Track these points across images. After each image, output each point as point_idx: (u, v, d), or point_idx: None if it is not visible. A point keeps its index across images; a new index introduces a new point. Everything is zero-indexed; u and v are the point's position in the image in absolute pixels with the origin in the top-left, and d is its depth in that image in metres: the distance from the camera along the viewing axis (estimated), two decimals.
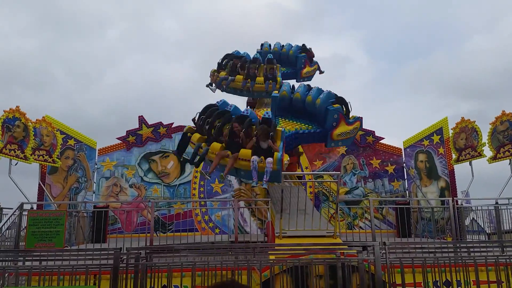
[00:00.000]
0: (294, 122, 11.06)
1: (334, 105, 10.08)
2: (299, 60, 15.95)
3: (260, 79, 14.09)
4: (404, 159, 17.36)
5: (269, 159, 8.61)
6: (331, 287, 6.82)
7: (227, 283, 1.73)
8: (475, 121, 13.98)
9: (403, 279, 6.97)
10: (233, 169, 9.12)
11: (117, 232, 15.13)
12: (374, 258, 6.82)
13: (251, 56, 15.02)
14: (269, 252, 7.55)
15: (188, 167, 16.75)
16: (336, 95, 10.61)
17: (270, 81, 13.96)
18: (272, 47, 16.53)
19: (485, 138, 13.52)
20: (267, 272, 6.96)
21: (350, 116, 10.72)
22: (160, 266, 7.18)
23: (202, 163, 10.37)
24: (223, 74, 14.55)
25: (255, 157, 8.70)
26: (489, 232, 14.06)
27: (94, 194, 16.00)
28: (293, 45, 16.57)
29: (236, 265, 7.05)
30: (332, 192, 16.82)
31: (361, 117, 10.66)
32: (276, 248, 7.64)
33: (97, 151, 16.45)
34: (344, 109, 10.55)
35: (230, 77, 14.28)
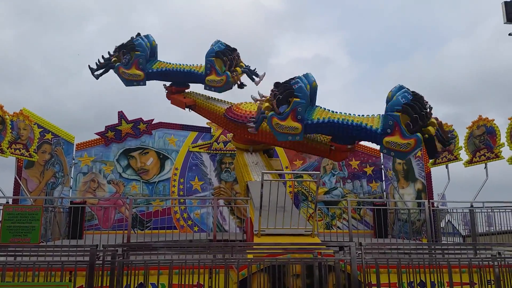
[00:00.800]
0: (378, 119, 10.36)
1: (396, 112, 9.46)
2: (206, 64, 13.00)
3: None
4: (382, 160, 17.60)
5: None
6: (308, 286, 6.88)
7: None
8: (452, 125, 14.23)
9: (378, 279, 7.07)
10: None
11: (94, 229, 14.90)
12: (350, 258, 6.91)
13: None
14: (247, 251, 7.57)
15: (168, 164, 16.67)
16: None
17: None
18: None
19: (461, 142, 13.78)
20: (244, 271, 6.99)
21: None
22: (136, 263, 7.13)
23: None
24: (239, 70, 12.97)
25: None
26: (464, 234, 14.36)
27: (71, 190, 15.79)
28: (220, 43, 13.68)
29: (214, 263, 7.05)
30: (311, 192, 16.95)
31: (420, 138, 9.37)
32: (254, 247, 7.67)
33: (75, 146, 16.23)
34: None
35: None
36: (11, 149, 12.33)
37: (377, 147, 10.23)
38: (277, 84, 10.24)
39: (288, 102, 9.70)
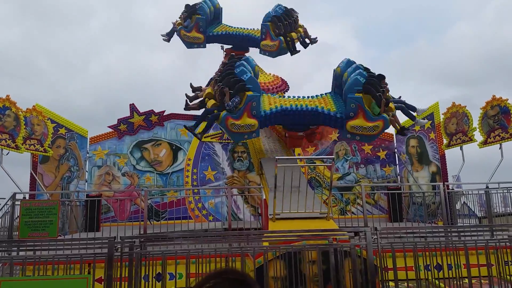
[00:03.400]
0: (330, 99, 10.04)
1: (357, 94, 9.04)
2: (261, 28, 13.82)
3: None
4: (395, 144, 17.47)
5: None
6: (324, 272, 6.90)
7: (221, 271, 1.74)
8: (465, 106, 14.05)
9: (394, 263, 7.07)
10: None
11: (111, 221, 15.13)
12: (366, 244, 6.91)
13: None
14: (262, 239, 7.61)
15: (181, 155, 16.75)
16: (366, 83, 9.26)
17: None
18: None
19: (475, 123, 13.61)
20: (260, 258, 7.03)
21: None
22: (154, 254, 7.21)
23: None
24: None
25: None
26: (480, 216, 14.23)
27: (86, 183, 15.95)
28: (279, 7, 13.74)
29: (230, 252, 7.10)
30: (325, 178, 16.91)
31: (387, 118, 9.20)
32: (269, 234, 7.70)
33: (88, 140, 16.36)
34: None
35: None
36: (25, 145, 12.49)
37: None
38: (225, 74, 9.37)
39: (240, 96, 8.92)
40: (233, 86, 8.95)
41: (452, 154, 14.74)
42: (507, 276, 7.44)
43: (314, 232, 7.45)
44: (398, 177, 17.28)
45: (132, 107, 16.91)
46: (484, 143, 13.33)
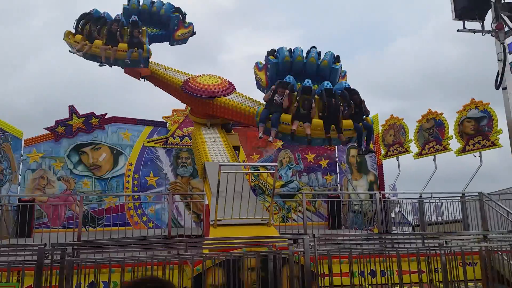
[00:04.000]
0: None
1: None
2: (172, 21, 13.90)
3: (123, 45, 12.27)
4: (337, 154, 17.94)
5: (140, 50, 12.11)
6: (262, 279, 6.92)
7: (139, 281, 1.69)
8: (403, 119, 14.69)
9: (330, 270, 7.21)
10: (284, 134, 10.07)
11: (43, 227, 14.39)
12: (303, 250, 7.00)
13: (113, 17, 13.03)
14: (203, 246, 7.52)
15: (122, 160, 16.31)
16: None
17: (136, 48, 12.22)
18: (141, 3, 14.02)
19: (411, 135, 14.24)
20: (199, 266, 6.93)
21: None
22: (87, 262, 6.93)
23: None
24: (79, 38, 12.47)
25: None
26: (414, 224, 14.87)
27: (19, 187, 15.17)
28: (164, 2, 14.11)
29: (167, 259, 6.96)
30: (268, 186, 17.06)
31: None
32: (209, 242, 7.62)
33: (23, 142, 15.59)
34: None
35: (88, 44, 12.37)
36: None
37: None
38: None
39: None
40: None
41: (389, 164, 15.37)
42: (437, 282, 7.80)
43: (254, 239, 7.46)
44: (338, 185, 17.76)
45: (72, 109, 16.31)
46: (419, 154, 13.97)
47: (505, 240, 8.34)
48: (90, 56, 12.61)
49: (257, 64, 11.91)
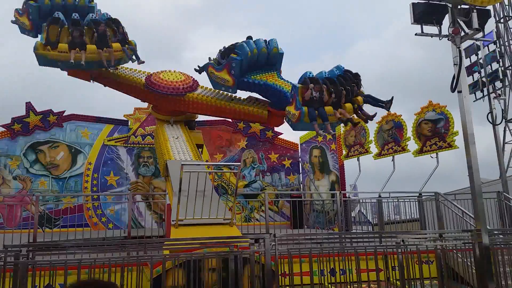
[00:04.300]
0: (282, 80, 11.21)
1: (299, 84, 10.08)
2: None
3: (116, 45, 11.41)
4: (300, 154, 18.12)
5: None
6: (223, 280, 6.89)
7: (89, 282, 1.64)
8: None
9: (291, 269, 7.27)
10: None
11: None
12: (264, 250, 7.02)
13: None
14: (163, 247, 7.41)
15: (81, 159, 15.90)
16: (310, 78, 10.29)
17: (126, 45, 11.57)
18: None
19: (371, 136, 14.54)
20: (160, 267, 6.83)
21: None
22: (42, 264, 6.71)
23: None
24: (64, 47, 10.95)
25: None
26: (374, 223, 15.19)
27: None
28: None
29: (125, 261, 6.81)
30: (231, 185, 17.02)
31: (304, 112, 9.86)
32: (169, 242, 7.52)
33: None
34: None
35: (79, 51, 10.99)
36: None
37: None
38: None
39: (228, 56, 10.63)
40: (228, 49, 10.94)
41: (350, 165, 15.64)
42: (394, 280, 7.99)
43: (216, 239, 7.42)
44: (301, 185, 17.93)
45: (29, 106, 15.77)
46: (379, 155, 14.28)
47: (459, 239, 8.62)
48: (89, 63, 11.22)
49: (212, 65, 11.45)
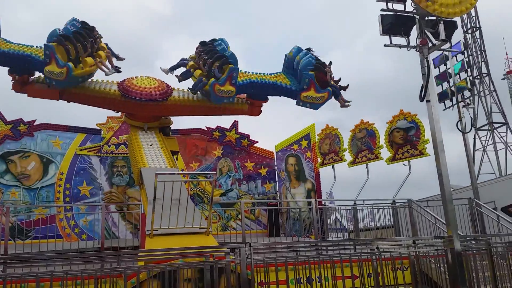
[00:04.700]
0: (285, 76, 12.54)
1: (310, 71, 11.77)
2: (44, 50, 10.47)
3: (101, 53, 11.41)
4: (276, 162, 18.18)
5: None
6: None
7: None
8: (338, 128, 15.15)
9: (266, 277, 7.28)
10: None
11: None
12: (240, 260, 7.01)
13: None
14: (138, 258, 7.31)
15: (52, 169, 15.57)
16: (316, 64, 12.06)
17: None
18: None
19: (346, 144, 14.71)
20: (134, 279, 6.73)
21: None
22: (14, 277, 6.54)
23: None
24: (91, 61, 10.87)
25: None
26: (350, 230, 15.33)
27: None
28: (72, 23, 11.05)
29: (99, 273, 6.70)
30: (207, 194, 16.94)
31: (331, 90, 12.06)
32: (144, 253, 7.43)
33: None
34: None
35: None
36: None
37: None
38: (204, 48, 11.60)
39: (223, 68, 11.16)
40: (219, 60, 11.21)
41: (325, 172, 15.75)
42: (369, 287, 8.08)
43: (191, 249, 7.36)
44: (277, 193, 17.97)
45: None
46: (353, 162, 14.45)
47: (432, 245, 8.79)
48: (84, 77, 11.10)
49: (216, 82, 11.38)
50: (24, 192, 15.12)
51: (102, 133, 16.62)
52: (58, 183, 15.57)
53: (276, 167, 18.17)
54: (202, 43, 11.90)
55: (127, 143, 15.64)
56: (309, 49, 12.66)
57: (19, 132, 15.43)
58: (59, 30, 10.56)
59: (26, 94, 11.37)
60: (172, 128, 13.28)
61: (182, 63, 12.27)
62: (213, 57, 11.28)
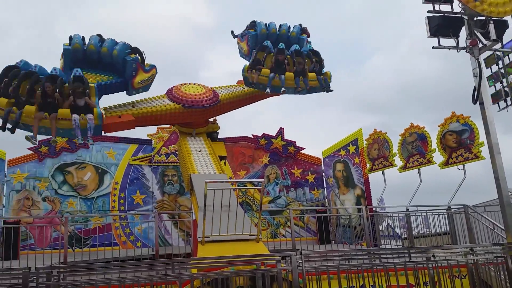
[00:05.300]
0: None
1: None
2: (128, 65, 10.86)
3: (64, 111, 9.67)
4: (323, 168, 18.02)
5: (90, 116, 9.72)
6: None
7: None
8: (386, 133, 14.83)
9: (319, 286, 7.21)
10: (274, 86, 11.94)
11: (29, 248, 14.14)
12: (291, 268, 6.99)
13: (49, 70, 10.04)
14: (191, 266, 7.45)
15: (107, 179, 16.18)
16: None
17: (82, 114, 9.82)
18: (87, 43, 10.98)
19: (395, 148, 14.38)
20: (188, 286, 6.88)
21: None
22: (73, 285, 6.83)
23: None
24: (3, 102, 9.35)
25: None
26: (403, 237, 14.94)
27: (3, 209, 14.92)
28: (118, 41, 11.15)
29: (154, 280, 6.88)
30: (256, 202, 17.02)
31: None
32: (195, 262, 7.56)
33: (6, 163, 15.36)
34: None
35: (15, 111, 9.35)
36: None
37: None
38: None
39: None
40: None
41: (375, 178, 15.43)
42: None
43: (243, 258, 7.43)
44: (326, 200, 17.79)
45: None
46: (404, 167, 14.09)
47: (491, 252, 8.41)
48: (22, 125, 9.59)
49: (239, 36, 13.89)
50: (81, 201, 15.79)
51: (153, 143, 17.12)
52: (113, 193, 16.16)
53: (323, 174, 18.01)
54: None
55: (176, 152, 16.04)
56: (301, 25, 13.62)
57: (75, 144, 16.14)
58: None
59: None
60: (218, 136, 13.53)
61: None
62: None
